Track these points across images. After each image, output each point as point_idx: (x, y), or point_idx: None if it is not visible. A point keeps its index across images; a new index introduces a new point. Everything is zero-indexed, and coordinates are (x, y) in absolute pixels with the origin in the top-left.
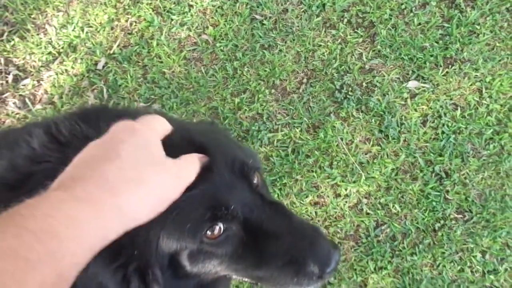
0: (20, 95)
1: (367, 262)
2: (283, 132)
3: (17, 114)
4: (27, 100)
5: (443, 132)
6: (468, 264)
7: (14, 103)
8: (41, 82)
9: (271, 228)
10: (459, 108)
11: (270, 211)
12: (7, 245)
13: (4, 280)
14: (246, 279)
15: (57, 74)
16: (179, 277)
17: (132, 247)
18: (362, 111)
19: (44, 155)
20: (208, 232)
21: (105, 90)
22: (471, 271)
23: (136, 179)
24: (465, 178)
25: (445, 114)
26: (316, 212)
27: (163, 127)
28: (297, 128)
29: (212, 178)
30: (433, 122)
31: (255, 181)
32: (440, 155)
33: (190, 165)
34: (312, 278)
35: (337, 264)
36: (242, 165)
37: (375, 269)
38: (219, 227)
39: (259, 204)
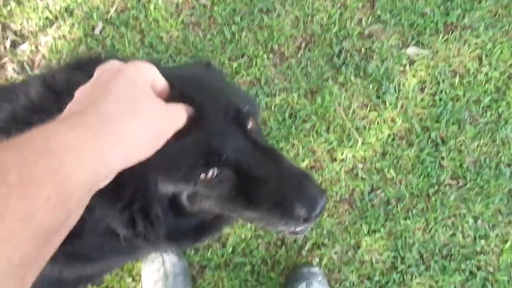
0: (19, 60)
1: (361, 225)
2: (280, 97)
3: (16, 79)
4: (25, 65)
5: (440, 99)
6: (460, 229)
7: (13, 68)
8: (39, 47)
9: (261, 173)
10: (457, 75)
11: (261, 156)
12: (9, 159)
13: (8, 191)
14: (242, 220)
15: (54, 39)
16: (181, 216)
17: (134, 189)
18: (360, 77)
19: (42, 105)
20: (202, 176)
21: (103, 55)
22: (463, 236)
23: (132, 110)
24: (461, 145)
25: (443, 81)
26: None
27: (151, 73)
28: (295, 93)
29: (204, 125)
30: (431, 88)
31: (249, 127)
32: (437, 122)
33: (180, 110)
34: (299, 220)
35: (322, 208)
36: (237, 112)
37: (368, 232)
38: (212, 171)
39: (251, 150)
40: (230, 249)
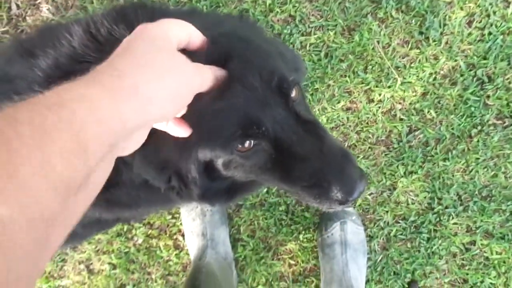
0: (53, 0)
1: (397, 167)
2: (316, 36)
3: (51, 20)
4: (59, 5)
5: (490, 33)
6: (503, 169)
7: (48, 9)
8: None
9: (300, 150)
10: (511, 5)
11: (302, 131)
12: (21, 115)
13: (21, 144)
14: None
15: None
16: (214, 179)
17: (170, 152)
18: (402, 11)
19: (84, 55)
20: (239, 146)
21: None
22: (505, 177)
23: (148, 64)
24: (509, 82)
25: (494, 12)
26: (347, 118)
27: (179, 30)
28: (331, 31)
29: (244, 92)
30: (480, 22)
31: (293, 97)
32: (484, 58)
33: (206, 70)
34: (334, 202)
35: (361, 193)
36: (281, 81)
37: (405, 173)
38: (249, 142)
39: (293, 123)
40: (265, 190)
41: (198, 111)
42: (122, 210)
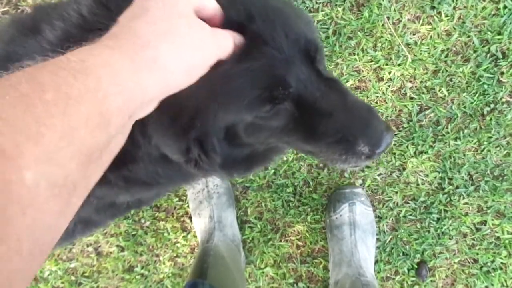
0: None
1: (407, 147)
2: (323, 12)
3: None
4: None
5: (505, 7)
6: None
7: None
8: None
9: (324, 106)
10: None
11: (325, 88)
12: (46, 80)
13: (46, 110)
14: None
15: None
16: (234, 146)
17: (192, 117)
18: None
19: (94, 23)
20: (266, 107)
21: None
22: None
23: (168, 32)
24: None
25: None
26: None
27: None
28: (339, 7)
29: (269, 52)
30: None
31: (317, 57)
32: (499, 34)
33: (226, 35)
34: (360, 157)
35: (388, 146)
36: (309, 43)
37: (415, 153)
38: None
39: (315, 80)
40: (272, 171)
41: (221, 73)
42: (140, 190)
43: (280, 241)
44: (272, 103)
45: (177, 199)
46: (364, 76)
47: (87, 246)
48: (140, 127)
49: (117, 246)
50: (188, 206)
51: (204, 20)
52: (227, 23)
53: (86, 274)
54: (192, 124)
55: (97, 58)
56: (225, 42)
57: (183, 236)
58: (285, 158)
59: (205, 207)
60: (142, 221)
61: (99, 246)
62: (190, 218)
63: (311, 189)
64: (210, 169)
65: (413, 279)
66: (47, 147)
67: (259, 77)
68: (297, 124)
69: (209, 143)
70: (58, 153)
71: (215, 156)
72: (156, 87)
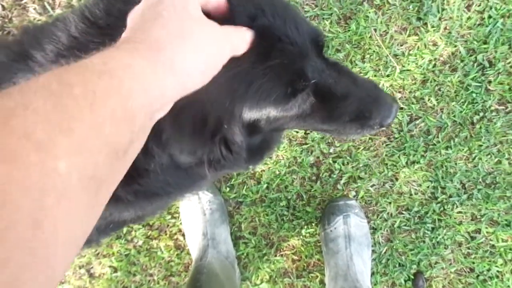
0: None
1: (399, 157)
2: None
3: (38, 20)
4: (46, 4)
5: (490, 17)
6: (506, 156)
7: (34, 8)
8: None
9: (340, 90)
10: None
11: (335, 73)
12: (72, 78)
13: (75, 104)
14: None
15: None
16: (252, 135)
17: (217, 120)
18: None
19: (87, 43)
20: (291, 100)
21: None
22: (509, 163)
23: (182, 35)
24: (511, 66)
25: None
26: None
27: None
28: (327, 20)
29: (285, 48)
30: (479, 5)
31: (324, 46)
32: (485, 43)
33: (238, 33)
34: (373, 128)
35: (396, 113)
36: (317, 34)
37: (407, 163)
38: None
39: (326, 68)
40: (265, 186)
41: (242, 73)
42: (149, 203)
43: (275, 256)
44: (295, 96)
45: (169, 216)
46: None
47: (79, 268)
48: (154, 136)
49: (110, 266)
50: (181, 223)
51: (210, 12)
52: (237, 17)
53: None
54: (219, 128)
55: (118, 61)
56: (238, 40)
57: (177, 254)
58: (277, 172)
59: (198, 224)
60: (135, 240)
61: (92, 267)
62: (183, 235)
63: (304, 202)
64: (236, 166)
65: None
66: (77, 139)
67: (281, 73)
68: (314, 109)
69: (235, 141)
70: (87, 145)
71: (242, 151)
72: (174, 89)
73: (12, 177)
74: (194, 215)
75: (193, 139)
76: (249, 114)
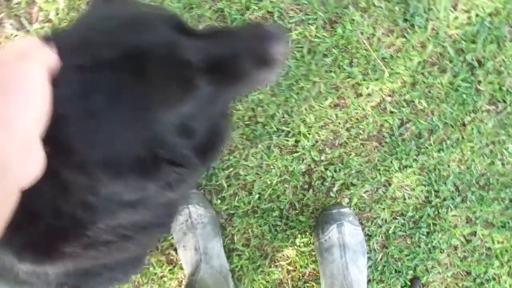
0: (15, 15)
1: (391, 162)
2: (297, 31)
3: (16, 35)
4: (23, 20)
5: (477, 15)
6: (499, 156)
7: (11, 24)
8: None
9: (225, 54)
10: None
11: (211, 41)
12: None
13: None
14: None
15: None
16: (191, 137)
17: (149, 152)
18: None
19: None
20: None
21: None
22: (502, 164)
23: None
24: (500, 65)
25: None
26: (336, 115)
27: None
28: (312, 25)
29: (150, 54)
30: (466, 4)
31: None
32: (473, 42)
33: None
34: (276, 60)
35: (278, 31)
36: (170, 20)
37: (399, 168)
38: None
39: (199, 42)
40: (257, 196)
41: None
42: (104, 254)
43: (270, 267)
44: (195, 85)
45: None
46: (342, 93)
47: None
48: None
49: None
50: (172, 238)
51: None
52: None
53: None
54: (157, 158)
55: None
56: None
57: (169, 270)
58: (268, 182)
59: (190, 238)
60: None
61: None
62: (175, 250)
63: (297, 211)
64: (193, 173)
65: None
66: None
67: (167, 78)
68: (220, 82)
69: (180, 156)
70: None
71: (191, 159)
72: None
73: None
74: (186, 230)
75: (139, 183)
76: (170, 122)
